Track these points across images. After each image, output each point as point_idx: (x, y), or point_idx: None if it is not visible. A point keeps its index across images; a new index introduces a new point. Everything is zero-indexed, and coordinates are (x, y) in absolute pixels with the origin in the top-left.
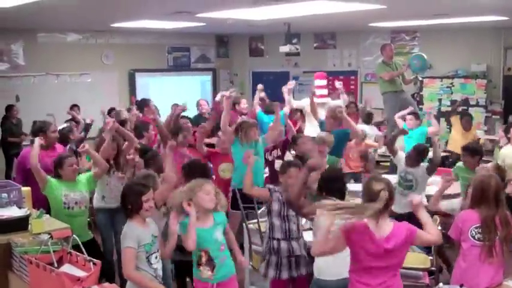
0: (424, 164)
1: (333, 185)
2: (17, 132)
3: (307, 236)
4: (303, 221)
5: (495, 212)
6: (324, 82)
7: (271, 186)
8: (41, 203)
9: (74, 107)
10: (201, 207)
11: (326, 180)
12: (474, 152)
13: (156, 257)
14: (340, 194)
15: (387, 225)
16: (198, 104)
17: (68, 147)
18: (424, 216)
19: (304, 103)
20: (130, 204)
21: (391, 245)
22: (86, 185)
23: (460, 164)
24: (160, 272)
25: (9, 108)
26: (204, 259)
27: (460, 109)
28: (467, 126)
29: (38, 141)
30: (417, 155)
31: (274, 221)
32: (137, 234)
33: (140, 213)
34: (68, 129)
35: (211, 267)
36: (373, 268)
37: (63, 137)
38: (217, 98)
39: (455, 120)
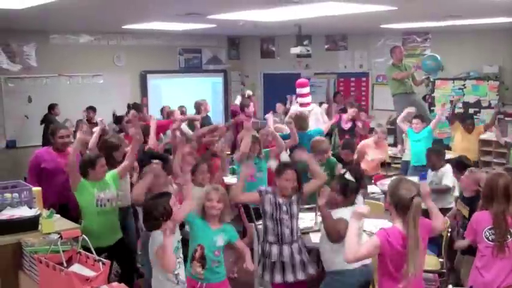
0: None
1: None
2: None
3: (315, 238)
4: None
5: (505, 208)
6: (306, 90)
7: (262, 188)
8: (52, 201)
9: (89, 109)
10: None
11: (344, 187)
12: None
13: (178, 263)
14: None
15: None
16: (199, 105)
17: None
18: (431, 205)
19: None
20: (160, 215)
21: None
22: (113, 184)
23: None
24: (182, 278)
25: (52, 106)
26: (198, 254)
27: (456, 108)
28: (470, 128)
29: (77, 141)
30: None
31: (268, 224)
32: (161, 241)
33: (172, 220)
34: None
35: (202, 264)
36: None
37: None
38: (236, 101)
39: (457, 126)
